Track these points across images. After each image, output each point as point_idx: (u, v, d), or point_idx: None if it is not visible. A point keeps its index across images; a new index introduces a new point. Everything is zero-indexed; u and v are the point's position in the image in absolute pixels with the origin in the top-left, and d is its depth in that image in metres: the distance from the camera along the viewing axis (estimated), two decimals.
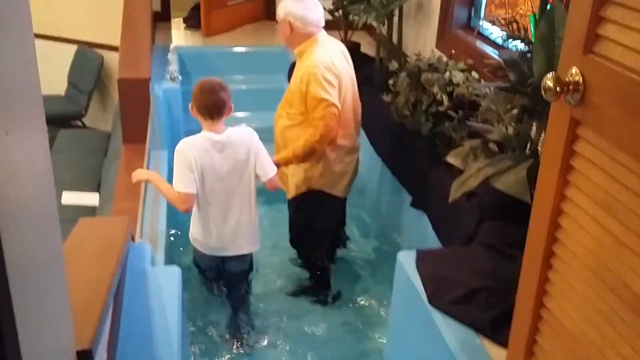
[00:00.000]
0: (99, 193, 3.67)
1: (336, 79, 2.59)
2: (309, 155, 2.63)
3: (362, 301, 2.96)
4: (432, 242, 2.68)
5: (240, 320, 2.76)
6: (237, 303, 2.78)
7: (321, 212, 2.85)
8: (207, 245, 2.55)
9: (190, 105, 2.43)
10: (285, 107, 2.70)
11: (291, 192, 2.82)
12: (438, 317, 1.89)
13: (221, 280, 2.74)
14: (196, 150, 2.37)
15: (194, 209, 2.49)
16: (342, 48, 2.79)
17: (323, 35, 2.70)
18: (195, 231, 2.55)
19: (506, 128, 2.33)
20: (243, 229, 2.54)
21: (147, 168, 2.92)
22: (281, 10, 2.67)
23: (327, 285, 3.02)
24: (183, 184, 2.35)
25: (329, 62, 2.59)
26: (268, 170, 2.49)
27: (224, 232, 2.51)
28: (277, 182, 2.55)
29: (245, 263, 2.67)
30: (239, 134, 2.45)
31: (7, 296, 0.65)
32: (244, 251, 2.59)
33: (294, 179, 2.78)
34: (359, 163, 2.92)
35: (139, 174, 2.53)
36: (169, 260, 2.61)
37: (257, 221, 2.60)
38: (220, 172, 2.42)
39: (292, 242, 3.05)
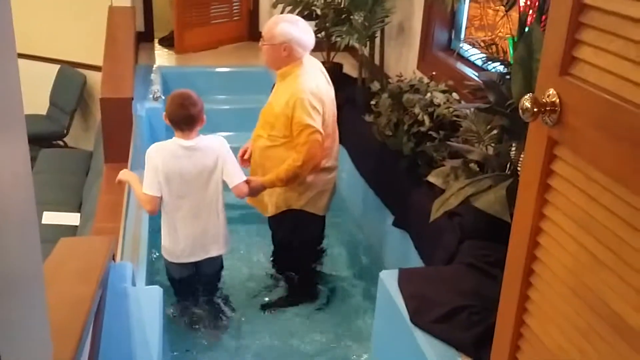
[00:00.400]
0: (80, 212, 3.63)
1: (321, 105, 2.62)
2: (292, 179, 2.66)
3: (344, 320, 2.95)
4: (414, 261, 2.69)
5: (217, 304, 2.88)
6: (211, 294, 2.89)
7: (300, 230, 2.89)
8: (177, 252, 2.62)
9: (163, 114, 2.55)
10: (267, 128, 2.71)
11: (271, 211, 2.84)
12: (420, 336, 1.89)
13: (196, 289, 2.82)
14: (163, 154, 2.48)
15: (163, 216, 2.57)
16: (321, 67, 2.82)
17: (307, 58, 2.73)
18: (165, 239, 2.63)
19: (486, 148, 2.36)
20: (211, 233, 2.62)
21: (129, 188, 2.90)
22: (280, 35, 2.62)
23: (312, 296, 3.05)
24: (149, 186, 2.48)
25: (315, 88, 2.62)
26: (234, 177, 2.56)
27: (192, 237, 2.59)
28: (243, 189, 2.60)
29: (217, 264, 2.77)
30: (208, 141, 2.54)
31: None
32: (213, 254, 2.67)
33: (273, 199, 2.80)
34: (336, 181, 2.95)
35: (120, 174, 2.63)
36: (150, 280, 2.59)
37: (225, 225, 2.67)
38: (187, 176, 2.50)
39: (274, 258, 3.09)
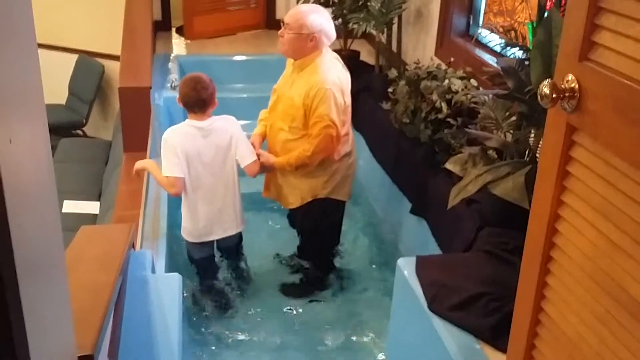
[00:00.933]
0: (100, 201, 3.67)
1: (342, 97, 2.63)
2: (301, 167, 2.70)
3: (361, 307, 2.97)
4: (432, 248, 2.68)
5: (241, 270, 3.01)
6: (235, 261, 3.02)
7: (327, 217, 2.90)
8: (196, 232, 2.71)
9: (177, 97, 2.64)
10: (287, 120, 2.70)
11: (295, 203, 2.84)
12: (438, 323, 1.90)
13: (216, 268, 2.94)
14: (180, 137, 2.56)
15: (183, 198, 2.65)
16: (336, 55, 2.82)
17: (327, 49, 2.73)
18: (184, 220, 2.72)
19: (505, 135, 2.34)
20: (228, 211, 2.71)
21: (148, 176, 2.94)
22: (307, 22, 2.60)
23: (329, 281, 3.10)
24: (170, 169, 2.54)
25: (337, 80, 2.62)
26: (246, 156, 2.65)
27: (210, 215, 2.68)
28: (254, 169, 2.68)
29: (235, 238, 2.87)
30: (221, 122, 2.65)
31: (17, 300, 0.67)
32: (230, 232, 2.77)
33: (296, 190, 2.81)
34: (355, 165, 2.96)
35: (136, 165, 2.70)
36: (170, 267, 2.62)
37: (241, 202, 2.77)
38: (204, 157, 2.59)
39: (301, 248, 3.10)
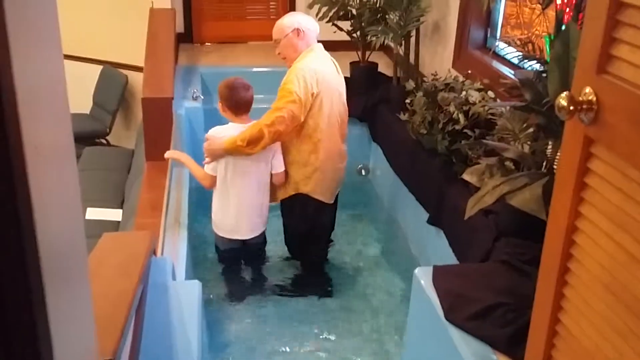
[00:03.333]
0: (122, 208, 3.73)
1: (315, 84, 2.72)
2: (255, 140, 2.68)
3: (378, 316, 2.97)
4: (449, 258, 2.69)
5: (258, 272, 3.17)
6: (256, 263, 3.16)
7: (309, 217, 2.98)
8: (226, 226, 2.87)
9: (219, 104, 2.76)
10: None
11: (281, 195, 2.98)
12: (454, 333, 1.90)
13: (238, 261, 3.09)
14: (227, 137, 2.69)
15: (218, 193, 2.80)
16: (332, 58, 2.95)
17: (319, 46, 2.89)
18: (215, 214, 2.87)
19: (522, 146, 2.34)
20: (257, 211, 2.87)
21: (169, 185, 2.99)
22: (287, 24, 2.84)
23: (320, 285, 3.16)
24: (210, 167, 2.76)
25: (315, 67, 2.75)
26: (278, 165, 2.84)
27: (241, 210, 2.81)
28: (282, 178, 2.87)
29: (261, 238, 3.02)
30: None
31: (43, 305, 0.69)
32: (257, 232, 2.92)
33: (282, 185, 2.94)
34: (344, 171, 3.05)
35: (170, 153, 2.87)
36: (190, 274, 2.65)
37: (267, 207, 2.95)
38: (247, 159, 2.71)
39: (285, 241, 3.21)
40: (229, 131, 2.72)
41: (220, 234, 2.89)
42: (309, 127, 2.79)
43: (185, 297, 2.05)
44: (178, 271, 2.39)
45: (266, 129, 2.66)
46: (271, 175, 2.86)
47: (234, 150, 2.69)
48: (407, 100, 3.23)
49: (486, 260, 2.25)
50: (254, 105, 2.85)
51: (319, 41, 2.96)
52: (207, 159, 2.76)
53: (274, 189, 2.96)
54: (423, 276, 2.14)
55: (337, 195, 3.08)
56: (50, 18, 0.74)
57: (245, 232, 2.88)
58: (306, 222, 3.00)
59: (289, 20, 2.88)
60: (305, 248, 3.13)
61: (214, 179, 2.79)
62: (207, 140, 2.75)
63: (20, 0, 0.52)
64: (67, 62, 1.25)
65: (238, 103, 2.71)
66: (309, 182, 2.88)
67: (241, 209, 2.82)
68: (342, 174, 3.01)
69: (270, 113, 2.70)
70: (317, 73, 2.73)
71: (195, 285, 2.15)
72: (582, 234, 1.28)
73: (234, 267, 3.10)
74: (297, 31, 2.82)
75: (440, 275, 2.11)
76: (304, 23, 2.86)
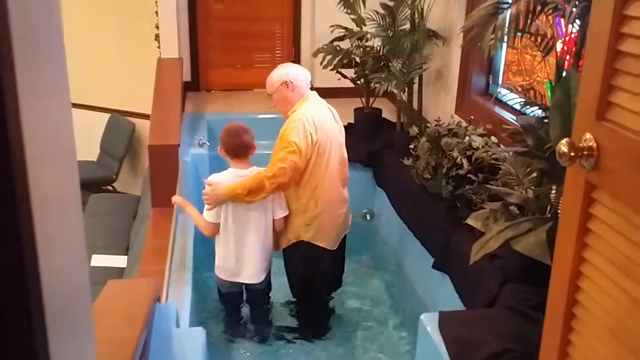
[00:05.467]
0: (127, 255, 3.73)
1: (315, 131, 2.74)
2: (256, 190, 2.68)
3: None
4: (455, 303, 2.66)
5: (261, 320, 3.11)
6: (258, 307, 3.11)
7: (311, 263, 2.95)
8: (227, 270, 2.86)
9: (218, 147, 2.79)
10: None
11: (283, 244, 2.97)
12: None
13: (241, 305, 3.06)
14: (226, 184, 2.69)
15: (220, 235, 2.81)
16: (329, 105, 2.96)
17: (313, 94, 2.90)
18: (218, 259, 2.87)
19: (526, 191, 2.35)
20: (257, 257, 2.83)
21: (174, 231, 3.00)
22: (275, 78, 2.87)
23: (318, 329, 3.12)
24: (210, 214, 2.76)
25: (314, 116, 2.77)
26: (280, 210, 2.83)
27: (241, 255, 2.80)
28: (282, 224, 2.86)
29: (263, 284, 2.97)
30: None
31: (46, 351, 0.69)
32: (256, 280, 2.88)
33: (283, 232, 2.93)
34: (348, 216, 3.03)
35: (176, 198, 2.89)
36: (194, 320, 2.63)
37: (270, 254, 2.92)
38: (247, 205, 2.71)
39: (289, 286, 3.16)
40: (228, 177, 2.73)
41: (222, 277, 2.89)
42: (306, 174, 2.79)
43: (189, 344, 2.03)
44: (182, 318, 2.38)
45: (267, 181, 2.67)
46: (273, 220, 2.85)
47: (234, 197, 2.72)
48: (411, 146, 3.26)
49: (493, 305, 2.23)
50: (258, 151, 2.86)
51: (317, 89, 2.99)
52: (208, 206, 2.76)
53: (276, 236, 2.95)
54: (429, 322, 2.11)
55: (345, 240, 3.06)
56: (59, 68, 0.76)
57: (245, 276, 2.86)
58: (308, 268, 2.97)
59: (277, 74, 2.89)
60: (308, 293, 3.11)
61: (215, 228, 2.78)
62: (208, 186, 2.76)
63: (30, 51, 0.54)
64: (74, 110, 1.27)
65: (235, 147, 2.73)
66: (310, 230, 2.87)
67: (242, 254, 2.81)
68: (344, 219, 2.99)
69: (272, 165, 2.70)
70: (315, 120, 2.76)
71: (199, 332, 2.14)
72: (586, 279, 1.27)
73: (236, 311, 3.07)
74: (286, 83, 2.84)
75: (446, 321, 2.09)
76: (292, 74, 2.87)
